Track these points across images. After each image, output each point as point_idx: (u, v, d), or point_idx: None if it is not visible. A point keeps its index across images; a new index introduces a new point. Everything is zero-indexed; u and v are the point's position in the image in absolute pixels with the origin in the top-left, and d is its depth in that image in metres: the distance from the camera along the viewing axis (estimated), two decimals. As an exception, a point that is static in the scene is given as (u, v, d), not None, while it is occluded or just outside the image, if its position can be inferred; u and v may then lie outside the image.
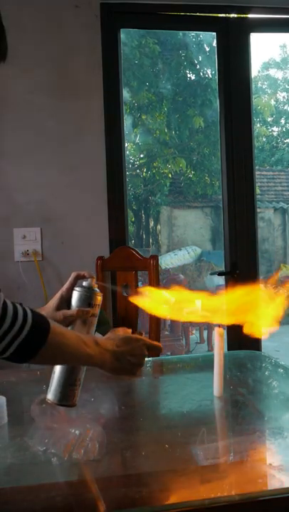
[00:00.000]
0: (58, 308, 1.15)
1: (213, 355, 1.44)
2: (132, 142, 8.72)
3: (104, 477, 1.04)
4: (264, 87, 12.82)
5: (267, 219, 9.78)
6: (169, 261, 8.49)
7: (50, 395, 1.09)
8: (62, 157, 2.56)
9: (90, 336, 1.09)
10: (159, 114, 8.58)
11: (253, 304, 1.25)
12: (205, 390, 1.46)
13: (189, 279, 8.16)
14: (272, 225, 9.86)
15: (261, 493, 0.93)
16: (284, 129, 12.53)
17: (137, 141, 8.85)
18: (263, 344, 2.82)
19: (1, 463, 1.08)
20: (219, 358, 1.41)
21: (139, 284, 2.72)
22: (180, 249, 8.98)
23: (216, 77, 2.76)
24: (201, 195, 9.34)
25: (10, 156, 2.52)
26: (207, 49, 8.48)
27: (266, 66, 13.27)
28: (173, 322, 5.49)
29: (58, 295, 1.17)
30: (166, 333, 5.34)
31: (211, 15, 2.70)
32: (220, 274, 2.78)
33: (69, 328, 1.13)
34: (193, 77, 8.70)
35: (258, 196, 8.15)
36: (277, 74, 13.26)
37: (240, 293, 1.27)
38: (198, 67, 8.55)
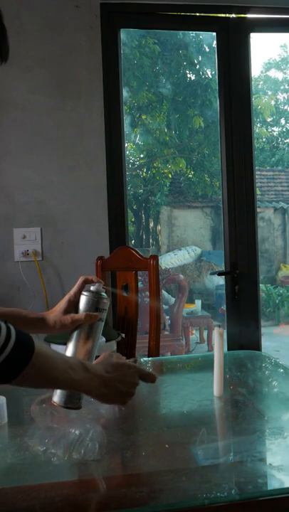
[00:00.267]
0: (66, 311, 1.15)
1: (213, 355, 1.44)
2: (132, 142, 8.72)
3: (104, 477, 1.04)
4: (265, 87, 12.82)
5: (267, 219, 9.78)
6: (169, 261, 8.49)
7: (56, 398, 1.10)
8: (62, 157, 2.56)
9: (78, 359, 1.05)
10: (158, 114, 8.58)
11: None
12: (205, 390, 1.46)
13: (189, 279, 8.16)
14: (272, 225, 9.86)
15: (261, 493, 0.93)
16: (284, 130, 12.53)
17: (137, 141, 8.85)
18: (263, 344, 2.82)
19: (1, 463, 1.08)
20: (219, 358, 1.41)
21: (139, 284, 2.71)
22: (180, 249, 8.98)
23: (216, 77, 2.76)
24: (201, 195, 9.35)
25: (10, 156, 2.52)
26: (207, 49, 8.48)
27: (269, 67, 13.27)
28: (173, 322, 5.49)
29: (66, 298, 1.17)
30: (166, 333, 5.34)
31: (211, 15, 2.70)
32: (220, 274, 2.78)
33: (75, 332, 1.13)
34: (193, 77, 8.69)
35: (258, 196, 8.16)
36: (277, 74, 13.27)
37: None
38: (198, 67, 8.55)
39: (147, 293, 3.90)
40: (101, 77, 2.57)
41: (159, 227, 9.70)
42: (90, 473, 1.05)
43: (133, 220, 9.27)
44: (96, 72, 2.56)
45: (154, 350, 1.99)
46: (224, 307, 3.05)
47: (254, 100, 4.12)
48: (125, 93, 5.62)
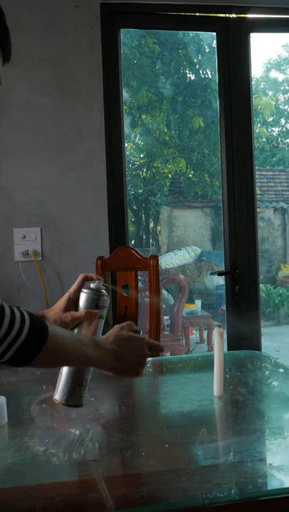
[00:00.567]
0: (66, 309, 1.15)
1: (213, 355, 1.44)
2: (132, 142, 8.72)
3: (104, 477, 1.04)
4: (266, 88, 12.82)
5: (267, 219, 9.79)
6: (169, 261, 8.49)
7: (57, 396, 1.10)
8: (63, 157, 2.56)
9: (89, 336, 1.09)
10: (158, 114, 8.58)
11: None
12: (205, 390, 1.46)
13: (189, 279, 8.16)
14: (272, 225, 9.86)
15: (261, 493, 0.93)
16: (284, 129, 12.53)
17: (137, 141, 8.85)
18: (263, 344, 2.82)
19: (1, 463, 1.08)
20: (219, 358, 1.41)
21: (139, 284, 2.71)
22: (180, 249, 8.99)
23: (216, 77, 2.76)
24: (201, 195, 9.35)
25: (10, 156, 2.52)
26: (207, 49, 8.48)
27: (269, 67, 13.27)
28: (173, 322, 5.49)
29: (65, 296, 1.17)
30: (166, 333, 5.34)
31: (211, 15, 2.70)
32: (220, 274, 2.78)
33: (76, 329, 1.14)
34: (193, 77, 8.70)
35: (258, 196, 8.16)
36: (277, 74, 13.27)
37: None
38: (197, 67, 8.55)
39: (147, 293, 3.90)
40: (101, 77, 2.57)
41: (159, 227, 9.70)
42: (90, 473, 1.05)
43: (133, 220, 9.27)
44: (96, 72, 2.56)
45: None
46: (224, 307, 3.06)
47: (254, 100, 4.11)
48: (125, 93, 5.62)
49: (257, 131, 10.72)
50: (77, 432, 1.17)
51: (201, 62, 8.50)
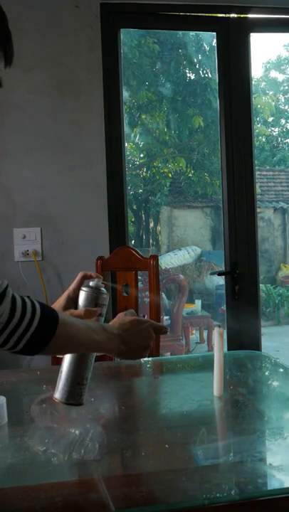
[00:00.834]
0: (65, 308, 1.16)
1: (213, 355, 1.44)
2: (132, 142, 8.72)
3: (104, 477, 1.04)
4: (266, 88, 12.82)
5: (267, 219, 9.78)
6: (169, 261, 8.49)
7: (58, 394, 1.10)
8: (63, 157, 2.56)
9: (97, 323, 1.11)
10: (158, 114, 8.58)
11: None
12: (205, 390, 1.46)
13: (189, 279, 8.16)
14: (272, 225, 9.86)
15: (261, 493, 0.93)
16: (284, 129, 12.53)
17: (137, 140, 8.85)
18: (263, 344, 2.82)
19: (1, 463, 1.08)
20: (219, 358, 1.41)
21: (139, 284, 2.71)
22: (180, 249, 8.98)
23: (216, 77, 2.76)
24: (201, 194, 9.34)
25: (10, 156, 2.52)
26: (207, 48, 8.48)
27: (269, 67, 13.26)
28: (173, 322, 5.49)
29: (65, 295, 1.17)
30: (168, 333, 5.33)
31: (211, 15, 2.70)
32: (220, 274, 2.78)
33: None
34: (192, 77, 8.69)
35: (258, 196, 8.16)
36: (277, 75, 13.27)
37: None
38: (197, 66, 8.55)
39: (147, 293, 3.90)
40: (101, 77, 2.57)
41: (159, 227, 9.70)
42: (90, 473, 1.05)
43: (133, 220, 9.27)
44: (96, 72, 2.56)
45: (153, 350, 1.99)
46: (224, 307, 3.06)
47: (254, 100, 4.09)
48: (125, 93, 5.62)
49: (257, 131, 10.72)
50: (77, 432, 1.17)
51: (200, 62, 8.50)
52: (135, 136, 8.76)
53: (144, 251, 8.34)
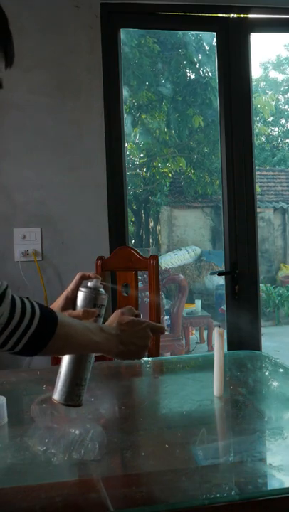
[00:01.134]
0: (64, 308, 1.16)
1: (213, 355, 1.44)
2: (132, 142, 8.71)
3: (104, 477, 1.04)
4: (266, 88, 12.81)
5: (267, 219, 9.78)
6: (169, 261, 8.49)
7: (56, 395, 1.10)
8: (63, 157, 2.56)
9: (95, 323, 1.11)
10: (158, 114, 8.58)
11: None
12: (205, 390, 1.46)
13: (189, 279, 8.16)
14: (272, 225, 9.86)
15: (261, 493, 0.93)
16: (284, 129, 12.53)
17: (137, 140, 8.84)
18: (263, 344, 2.82)
19: (1, 463, 1.08)
20: (219, 358, 1.41)
21: (139, 284, 2.71)
22: (180, 249, 8.98)
23: (216, 76, 2.76)
24: (201, 194, 9.34)
25: (10, 156, 2.52)
26: (207, 48, 8.48)
27: (270, 67, 13.26)
28: (173, 322, 5.49)
29: (63, 295, 1.18)
30: (166, 333, 5.34)
31: (211, 15, 2.70)
32: (220, 274, 2.78)
33: None
34: (192, 76, 8.69)
35: (258, 196, 8.16)
36: (277, 74, 13.27)
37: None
38: (197, 66, 8.55)
39: (147, 293, 3.90)
40: (101, 77, 2.57)
41: (159, 227, 9.70)
42: (90, 473, 1.05)
43: (133, 220, 9.27)
44: (96, 72, 2.56)
45: (153, 350, 1.99)
46: (224, 307, 3.06)
47: (254, 99, 4.07)
48: (125, 92, 5.60)
49: (257, 130, 10.72)
50: (77, 432, 1.17)
51: (200, 61, 8.50)
52: (135, 136, 8.76)
53: (144, 251, 8.34)
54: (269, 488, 0.98)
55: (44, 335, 0.97)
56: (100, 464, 1.06)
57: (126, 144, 3.94)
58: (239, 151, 2.71)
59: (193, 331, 6.50)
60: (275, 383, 1.58)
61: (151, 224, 9.83)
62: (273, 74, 13.32)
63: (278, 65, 13.39)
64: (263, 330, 2.85)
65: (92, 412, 1.30)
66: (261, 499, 0.91)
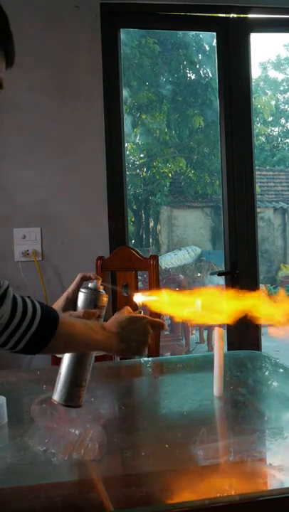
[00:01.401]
0: (64, 309, 1.16)
1: (213, 355, 1.44)
2: (132, 142, 8.72)
3: (104, 477, 1.04)
4: (265, 87, 12.81)
5: (267, 219, 9.78)
6: (169, 261, 8.48)
7: (56, 396, 1.10)
8: (63, 157, 2.56)
9: (96, 322, 1.11)
10: (159, 114, 8.58)
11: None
12: (205, 390, 1.46)
13: (189, 279, 8.16)
14: (272, 225, 9.86)
15: (261, 493, 0.93)
16: (284, 129, 12.53)
17: (137, 140, 8.85)
18: (263, 344, 2.82)
19: (1, 463, 1.08)
20: (219, 358, 1.41)
21: (139, 284, 2.71)
22: (180, 249, 8.98)
23: (216, 77, 2.76)
24: (201, 194, 9.35)
25: (10, 156, 2.52)
26: (207, 48, 8.48)
27: (270, 67, 13.25)
28: (173, 322, 5.49)
29: (63, 296, 1.18)
30: (166, 333, 5.34)
31: (211, 15, 2.70)
32: (220, 274, 2.78)
33: None
34: (193, 77, 8.70)
35: (258, 196, 8.15)
36: (277, 74, 13.27)
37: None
38: (198, 66, 8.56)
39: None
40: (101, 77, 2.57)
41: (159, 227, 9.70)
42: (90, 473, 1.05)
43: (133, 220, 9.27)
44: (96, 72, 2.56)
45: (154, 350, 1.99)
46: (224, 307, 3.04)
47: (254, 100, 4.08)
48: (125, 93, 5.60)
49: (257, 130, 10.72)
50: (77, 432, 1.17)
51: (201, 62, 8.50)
52: (135, 136, 8.76)
53: (144, 251, 8.34)
54: (269, 488, 0.98)
55: (45, 334, 0.97)
56: (100, 463, 1.06)
57: (126, 144, 3.95)
58: (239, 151, 2.71)
59: (193, 331, 6.50)
60: (275, 383, 1.58)
61: (151, 224, 9.83)
62: (273, 74, 13.32)
63: (278, 64, 13.39)
64: (263, 330, 2.85)
65: (92, 412, 1.30)
66: (261, 499, 0.91)
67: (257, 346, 2.68)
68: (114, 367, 1.81)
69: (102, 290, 1.14)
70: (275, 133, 12.44)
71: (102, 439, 1.16)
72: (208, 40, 8.27)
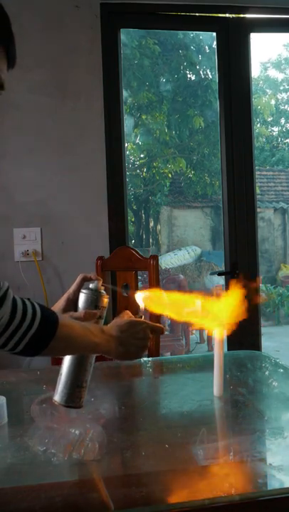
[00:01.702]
0: (65, 310, 1.16)
1: (213, 355, 1.44)
2: (132, 142, 8.72)
3: (104, 477, 1.04)
4: (265, 87, 12.82)
5: (267, 219, 9.78)
6: (169, 261, 8.48)
7: (57, 397, 1.10)
8: (63, 157, 2.56)
9: (95, 325, 1.11)
10: (159, 114, 8.58)
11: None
12: (205, 390, 1.46)
13: (189, 279, 8.16)
14: (272, 225, 9.86)
15: (261, 493, 0.93)
16: (284, 129, 12.53)
17: (137, 141, 8.85)
18: (263, 344, 2.82)
19: (1, 463, 1.08)
20: (219, 358, 1.41)
21: (139, 284, 2.72)
22: (180, 249, 8.98)
23: (216, 77, 2.76)
24: (201, 195, 9.35)
25: (10, 156, 2.52)
26: (207, 49, 8.49)
27: (270, 67, 13.25)
28: (173, 322, 5.49)
29: (64, 297, 1.18)
30: (166, 333, 5.34)
31: (210, 15, 2.70)
32: (220, 274, 2.78)
33: None
34: (193, 78, 8.70)
35: (258, 196, 8.16)
36: (277, 74, 13.27)
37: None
38: (198, 67, 8.56)
39: (147, 293, 3.88)
40: (101, 77, 2.57)
41: (159, 227, 9.70)
42: (90, 473, 1.05)
43: (133, 220, 9.27)
44: (96, 72, 2.56)
45: (153, 350, 1.99)
46: (224, 307, 3.04)
47: (254, 100, 4.08)
48: (125, 93, 5.62)
49: (257, 131, 10.72)
50: (77, 432, 1.17)
51: (201, 63, 8.50)
52: (136, 137, 8.76)
53: (144, 251, 8.33)
54: (269, 488, 0.97)
55: (45, 336, 0.97)
56: (100, 464, 1.06)
57: (126, 144, 3.94)
58: (239, 151, 2.71)
59: (193, 331, 6.50)
60: (275, 383, 1.58)
61: (151, 224, 9.83)
62: (273, 73, 13.32)
63: (278, 64, 13.38)
64: (263, 330, 2.85)
65: (92, 412, 1.30)
66: (261, 499, 0.91)
67: (257, 346, 2.68)
68: (114, 367, 1.81)
69: (102, 291, 1.15)
70: (274, 133, 12.44)
71: (102, 439, 1.17)
72: (208, 41, 8.28)
